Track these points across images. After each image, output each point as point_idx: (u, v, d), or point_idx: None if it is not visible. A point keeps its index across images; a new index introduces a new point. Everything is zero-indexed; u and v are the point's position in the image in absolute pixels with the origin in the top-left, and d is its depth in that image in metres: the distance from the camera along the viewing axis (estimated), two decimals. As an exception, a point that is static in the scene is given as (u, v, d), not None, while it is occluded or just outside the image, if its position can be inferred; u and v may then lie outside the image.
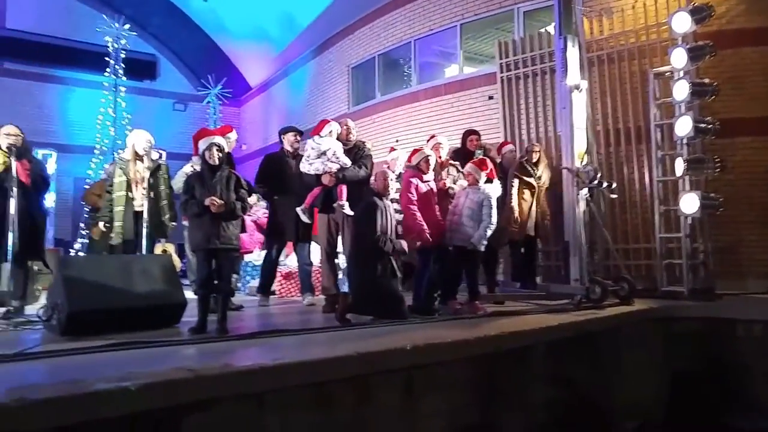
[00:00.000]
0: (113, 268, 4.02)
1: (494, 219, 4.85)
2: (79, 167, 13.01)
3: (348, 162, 5.19)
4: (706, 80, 5.96)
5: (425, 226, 4.69)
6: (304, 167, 5.25)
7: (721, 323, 5.09)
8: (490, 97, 8.79)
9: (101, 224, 5.43)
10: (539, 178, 6.19)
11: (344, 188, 5.13)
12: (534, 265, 6.57)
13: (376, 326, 4.09)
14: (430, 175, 4.98)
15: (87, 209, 9.18)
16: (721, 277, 6.26)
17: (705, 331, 5.14)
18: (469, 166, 5.01)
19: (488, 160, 5.16)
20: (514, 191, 6.08)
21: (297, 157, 5.80)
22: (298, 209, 5.38)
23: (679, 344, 5.20)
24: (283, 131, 6.01)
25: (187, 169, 5.44)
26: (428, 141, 5.77)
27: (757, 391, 4.87)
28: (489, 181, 4.92)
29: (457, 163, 5.48)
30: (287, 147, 5.87)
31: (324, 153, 5.12)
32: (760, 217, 6.68)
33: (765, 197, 6.70)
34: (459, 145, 6.22)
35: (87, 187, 8.92)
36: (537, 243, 6.53)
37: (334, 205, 5.12)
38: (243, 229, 5.34)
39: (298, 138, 5.90)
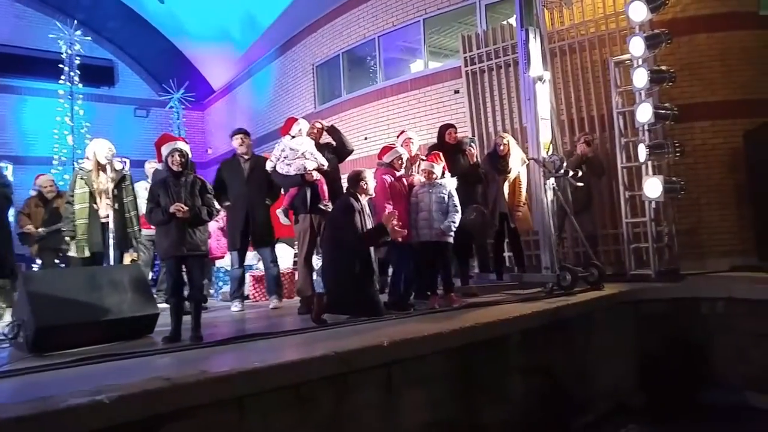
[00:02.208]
0: (80, 281, 3.91)
1: (459, 209, 4.99)
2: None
3: (324, 161, 5.18)
4: (664, 67, 6.12)
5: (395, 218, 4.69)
6: (281, 168, 5.19)
7: (686, 302, 5.26)
8: (456, 92, 8.85)
9: (66, 237, 5.29)
10: (508, 170, 6.20)
11: (325, 187, 5.11)
12: (519, 255, 6.39)
13: (352, 325, 4.09)
14: (401, 172, 5.02)
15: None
16: (685, 258, 6.47)
17: (671, 311, 5.31)
18: (425, 163, 5.07)
19: (440, 154, 5.19)
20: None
21: (251, 158, 5.76)
22: (278, 210, 5.32)
23: (648, 325, 5.35)
24: (231, 135, 5.91)
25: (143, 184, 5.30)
26: (398, 137, 5.79)
27: (719, 367, 5.04)
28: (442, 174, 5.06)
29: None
30: (238, 150, 5.81)
31: (303, 154, 5.10)
32: (719, 198, 6.92)
33: (723, 179, 6.94)
34: (435, 141, 6.17)
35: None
36: (517, 232, 6.54)
37: (320, 205, 5.09)
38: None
39: (244, 139, 5.79)
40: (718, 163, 6.97)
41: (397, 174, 5.00)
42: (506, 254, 6.75)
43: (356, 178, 4.66)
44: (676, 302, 5.31)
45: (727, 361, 5.03)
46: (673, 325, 5.28)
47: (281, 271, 6.69)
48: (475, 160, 6.12)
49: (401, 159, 5.01)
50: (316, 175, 5.12)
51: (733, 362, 5.00)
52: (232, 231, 5.72)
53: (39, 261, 7.46)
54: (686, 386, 5.09)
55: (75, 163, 12.10)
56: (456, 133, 6.16)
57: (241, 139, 5.77)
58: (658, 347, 5.28)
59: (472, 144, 6.24)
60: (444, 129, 6.07)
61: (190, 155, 4.09)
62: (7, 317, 4.69)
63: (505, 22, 8.36)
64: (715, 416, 4.90)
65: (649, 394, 5.20)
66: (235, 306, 5.67)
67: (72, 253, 5.29)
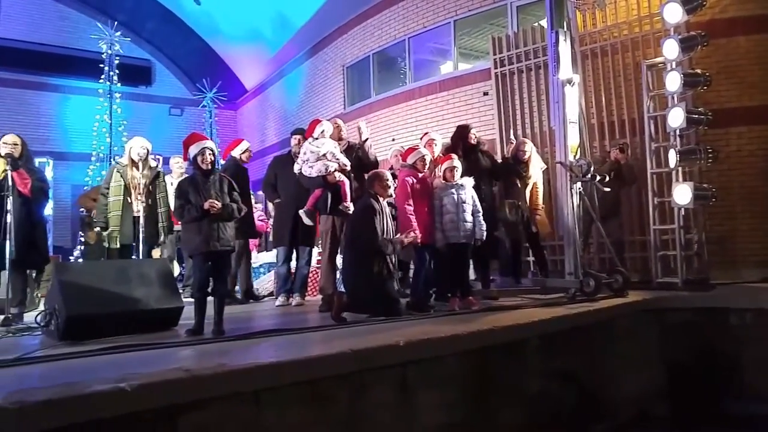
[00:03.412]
0: (110, 273, 4.05)
1: (481, 210, 5.06)
2: (77, 174, 13.06)
3: (347, 161, 5.24)
4: (698, 70, 5.97)
5: (417, 229, 4.72)
6: (305, 170, 5.27)
7: (714, 312, 5.13)
8: (485, 93, 8.82)
9: (96, 228, 5.50)
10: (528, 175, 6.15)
11: (347, 189, 5.17)
12: (542, 259, 6.37)
13: (371, 324, 4.12)
14: (424, 173, 5.04)
15: (82, 213, 9.20)
16: (715, 267, 6.29)
17: (698, 320, 5.18)
18: (447, 164, 5.04)
19: (453, 156, 5.18)
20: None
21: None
22: (301, 211, 5.41)
23: (673, 334, 5.23)
24: (291, 133, 6.11)
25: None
26: (421, 138, 5.81)
27: (748, 378, 4.91)
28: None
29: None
30: (293, 149, 5.94)
31: (324, 155, 5.17)
32: (752, 206, 6.71)
33: (758, 187, 6.73)
34: (450, 142, 6.04)
35: (84, 190, 8.92)
36: (538, 237, 6.49)
37: (341, 207, 5.15)
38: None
39: (301, 140, 5.85)
40: (753, 170, 6.76)
41: (420, 175, 5.01)
42: (529, 259, 6.69)
43: (376, 179, 4.70)
44: (703, 312, 5.19)
45: (755, 372, 4.90)
46: (699, 334, 5.16)
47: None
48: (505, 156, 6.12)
49: (424, 160, 5.03)
50: (338, 176, 5.18)
51: (761, 374, 4.86)
52: (280, 228, 5.82)
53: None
54: (712, 396, 4.97)
55: (112, 160, 12.53)
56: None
57: (298, 139, 5.89)
58: (684, 356, 5.16)
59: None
60: (464, 131, 5.91)
61: (217, 155, 4.20)
62: (42, 306, 4.89)
63: (536, 24, 8.28)
64: (740, 427, 4.79)
65: (674, 403, 5.10)
66: (279, 300, 5.78)
67: (105, 243, 5.50)
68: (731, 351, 5.01)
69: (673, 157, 5.84)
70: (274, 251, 6.44)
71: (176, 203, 4.05)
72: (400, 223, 4.89)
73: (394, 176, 5.18)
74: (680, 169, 5.87)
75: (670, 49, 5.91)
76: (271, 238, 7.77)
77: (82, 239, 8.96)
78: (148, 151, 5.49)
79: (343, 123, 5.69)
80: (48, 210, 9.00)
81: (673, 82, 5.85)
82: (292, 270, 6.08)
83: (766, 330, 4.86)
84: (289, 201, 5.73)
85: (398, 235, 4.61)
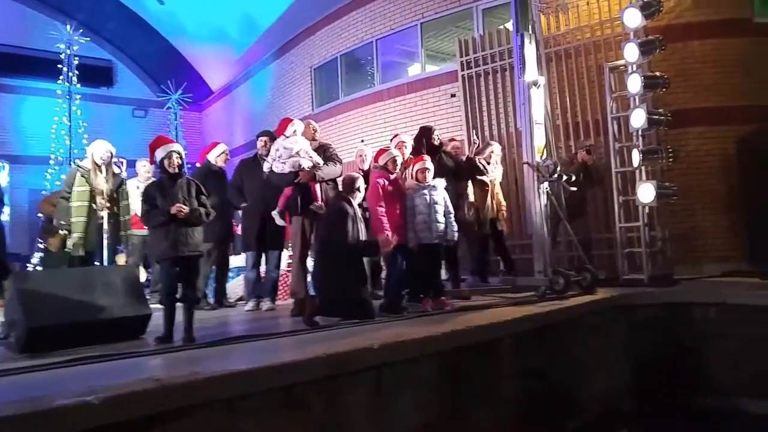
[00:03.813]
0: (73, 281, 3.92)
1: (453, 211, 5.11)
2: (34, 179, 12.58)
3: (320, 160, 5.19)
4: (658, 73, 6.17)
5: (389, 230, 4.73)
6: (277, 167, 5.18)
7: (679, 307, 5.27)
8: (453, 95, 8.90)
9: (61, 231, 5.33)
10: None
11: (318, 189, 5.12)
12: (507, 258, 6.53)
13: (344, 327, 4.10)
14: (395, 174, 5.05)
15: (42, 220, 8.88)
16: (679, 263, 6.50)
17: (664, 316, 5.32)
18: (419, 165, 5.07)
19: (424, 157, 5.22)
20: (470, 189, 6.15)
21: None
22: (273, 212, 5.33)
23: (640, 330, 5.36)
24: (257, 136, 6.01)
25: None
26: (392, 140, 5.82)
27: (713, 372, 5.06)
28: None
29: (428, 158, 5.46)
30: (260, 152, 5.85)
31: (298, 153, 5.11)
32: (711, 204, 6.96)
33: (716, 185, 6.98)
34: (414, 144, 5.98)
35: (44, 195, 8.61)
36: (503, 235, 6.59)
37: (312, 207, 5.09)
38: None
39: (268, 142, 5.80)
40: (710, 169, 7.01)
41: (392, 176, 5.02)
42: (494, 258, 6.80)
43: (350, 183, 4.69)
44: (669, 307, 5.33)
45: (720, 366, 5.04)
46: (665, 330, 5.30)
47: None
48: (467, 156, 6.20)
49: (395, 161, 5.04)
50: (307, 175, 5.09)
51: (726, 368, 5.01)
52: (248, 232, 5.72)
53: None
54: (679, 391, 5.10)
55: (72, 163, 12.13)
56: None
57: (265, 141, 5.81)
58: (651, 352, 5.29)
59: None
60: (428, 132, 5.94)
61: (184, 158, 4.10)
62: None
63: (501, 27, 8.40)
64: (707, 421, 4.92)
65: (642, 399, 5.22)
66: (249, 305, 5.69)
67: (68, 249, 5.32)
68: (696, 346, 5.16)
69: (636, 157, 6.01)
70: (243, 255, 6.35)
71: (143, 208, 3.96)
72: (372, 225, 4.88)
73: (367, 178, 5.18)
74: (643, 168, 6.04)
75: (631, 52, 6.09)
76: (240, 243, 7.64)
77: (41, 246, 8.63)
78: (111, 154, 5.34)
79: (316, 125, 5.63)
80: (5, 216, 8.67)
81: (635, 84, 6.03)
82: (262, 274, 6.00)
83: (727, 324, 5.02)
84: (256, 204, 5.65)
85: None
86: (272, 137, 5.82)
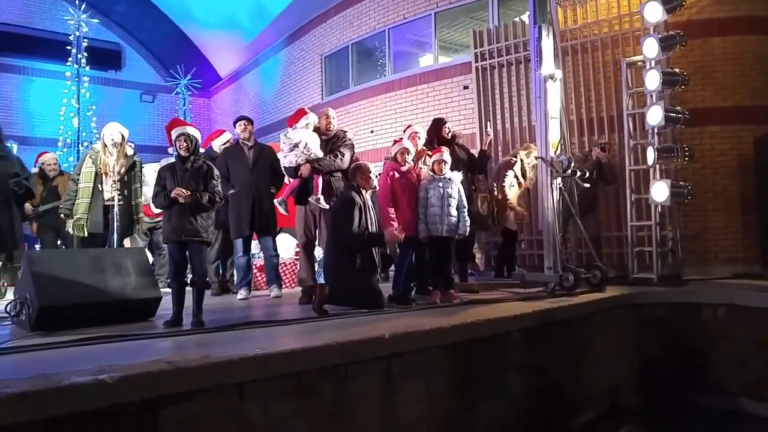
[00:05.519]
0: (84, 262, 3.91)
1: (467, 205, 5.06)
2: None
3: (320, 153, 5.13)
4: (677, 70, 6.07)
5: (395, 223, 4.70)
6: (283, 162, 5.21)
7: (687, 308, 5.23)
8: (465, 87, 8.82)
9: (61, 215, 5.32)
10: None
11: (320, 181, 5.07)
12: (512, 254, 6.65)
13: (353, 316, 4.09)
14: (407, 166, 4.99)
15: None
16: (689, 264, 6.44)
17: (672, 315, 5.28)
18: (437, 156, 5.02)
19: (442, 149, 5.18)
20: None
21: (255, 146, 5.77)
22: (275, 200, 5.31)
23: (649, 329, 5.33)
24: (234, 122, 5.91)
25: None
26: (404, 131, 5.76)
27: (718, 373, 5.03)
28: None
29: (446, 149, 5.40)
30: (240, 136, 5.80)
31: (296, 145, 5.07)
32: (725, 204, 6.86)
33: (730, 186, 6.89)
34: (427, 136, 5.90)
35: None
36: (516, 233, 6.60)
37: (310, 198, 5.06)
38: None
39: (247, 126, 5.76)
40: (725, 169, 6.91)
41: (403, 168, 4.97)
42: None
43: (358, 172, 4.65)
44: (677, 307, 5.29)
45: (726, 367, 5.02)
46: (673, 329, 5.27)
47: (285, 261, 6.69)
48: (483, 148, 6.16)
49: (404, 153, 4.97)
50: (306, 170, 5.03)
51: (732, 368, 4.98)
52: (237, 219, 5.67)
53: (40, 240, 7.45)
54: (684, 390, 5.08)
55: (80, 146, 12.12)
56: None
57: (244, 125, 5.75)
58: (658, 351, 5.27)
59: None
60: (440, 124, 5.88)
61: (199, 141, 4.08)
62: (9, 295, 4.70)
63: (517, 19, 8.30)
64: (710, 421, 4.90)
65: (647, 396, 5.20)
66: (241, 294, 5.65)
67: (70, 231, 5.30)
68: (703, 346, 5.12)
69: (651, 155, 5.93)
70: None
71: (154, 189, 3.97)
72: (381, 218, 4.85)
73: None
74: (658, 166, 5.97)
75: (650, 47, 5.99)
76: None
77: None
78: (123, 136, 5.32)
79: (334, 113, 5.54)
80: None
81: (653, 80, 5.94)
82: (254, 262, 5.93)
83: (735, 325, 4.98)
84: (244, 190, 5.58)
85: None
86: (250, 121, 5.85)
